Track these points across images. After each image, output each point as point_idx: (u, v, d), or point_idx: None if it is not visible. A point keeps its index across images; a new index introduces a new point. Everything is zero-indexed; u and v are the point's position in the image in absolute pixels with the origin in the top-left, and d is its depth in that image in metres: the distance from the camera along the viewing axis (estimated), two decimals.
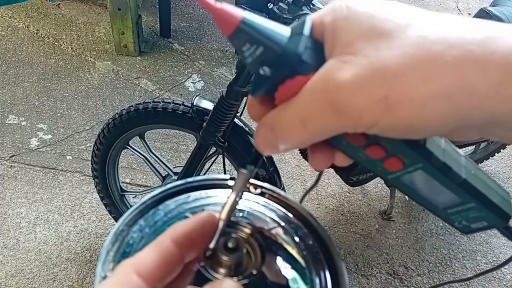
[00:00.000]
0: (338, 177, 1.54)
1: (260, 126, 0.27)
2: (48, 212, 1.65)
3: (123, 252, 0.29)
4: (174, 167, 1.42)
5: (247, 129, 1.20)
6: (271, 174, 1.20)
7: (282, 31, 0.25)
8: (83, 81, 2.19)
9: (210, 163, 1.38)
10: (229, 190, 0.33)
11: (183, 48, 2.47)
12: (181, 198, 0.33)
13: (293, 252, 0.31)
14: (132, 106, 1.22)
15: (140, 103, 1.20)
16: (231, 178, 0.35)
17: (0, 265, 1.49)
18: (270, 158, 1.22)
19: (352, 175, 1.40)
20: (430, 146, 0.27)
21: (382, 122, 0.22)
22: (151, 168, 1.41)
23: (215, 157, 1.33)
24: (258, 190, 0.34)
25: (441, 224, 1.81)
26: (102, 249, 0.28)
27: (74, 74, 2.22)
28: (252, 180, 0.33)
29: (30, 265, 1.50)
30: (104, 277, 0.26)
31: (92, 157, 1.38)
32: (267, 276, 0.28)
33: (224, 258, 0.27)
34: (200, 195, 0.34)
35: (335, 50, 0.24)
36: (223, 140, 1.15)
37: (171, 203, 0.33)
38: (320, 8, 0.98)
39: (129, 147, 1.34)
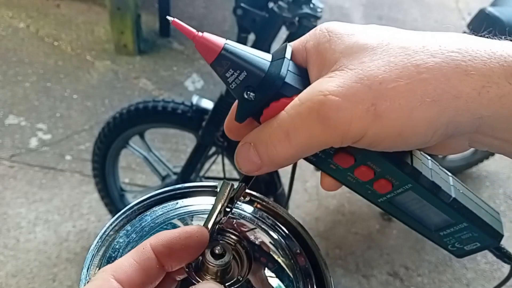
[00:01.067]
0: None
1: (241, 145, 0.26)
2: (48, 212, 1.65)
3: (109, 256, 0.28)
4: (173, 167, 1.42)
5: None
6: (270, 175, 1.20)
7: (264, 56, 0.25)
8: (82, 81, 2.19)
9: (210, 164, 1.38)
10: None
11: (182, 47, 2.47)
12: (169, 204, 0.33)
13: (280, 261, 0.30)
14: (132, 105, 1.22)
15: (141, 102, 1.20)
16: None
17: (0, 265, 1.49)
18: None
19: None
20: (418, 166, 0.27)
21: (370, 132, 0.22)
22: (150, 168, 1.41)
23: (214, 157, 1.33)
24: (247, 198, 0.34)
25: None
26: (88, 254, 0.28)
27: (74, 74, 2.22)
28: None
29: (30, 265, 1.50)
30: (88, 282, 0.26)
31: (92, 155, 1.38)
32: (253, 284, 0.28)
33: (211, 264, 0.27)
34: (188, 202, 0.34)
35: (323, 71, 0.24)
36: (222, 140, 1.15)
37: (158, 209, 0.33)
38: (319, 8, 0.98)
39: (129, 146, 1.35)
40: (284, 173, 1.89)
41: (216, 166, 1.72)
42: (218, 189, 0.30)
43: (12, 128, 1.93)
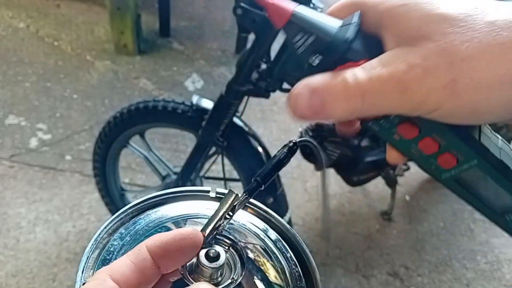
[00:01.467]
0: (339, 177, 1.54)
1: (303, 88, 0.25)
2: (48, 212, 1.65)
3: (104, 259, 0.29)
4: (174, 167, 1.42)
5: (246, 129, 1.20)
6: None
7: (332, 22, 0.26)
8: (82, 80, 2.19)
9: (210, 164, 1.38)
10: (210, 202, 0.34)
11: (182, 47, 2.47)
12: (163, 208, 0.33)
13: (271, 265, 0.31)
14: (133, 104, 1.22)
15: (141, 102, 1.21)
16: (216, 192, 0.35)
17: (0, 265, 1.49)
18: (269, 158, 1.22)
19: (353, 175, 1.40)
20: (486, 143, 0.26)
21: (445, 106, 0.22)
22: (151, 167, 1.41)
23: (214, 157, 1.32)
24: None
25: (441, 225, 1.80)
26: (83, 256, 0.28)
27: (74, 74, 2.22)
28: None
29: (30, 265, 1.50)
30: (84, 284, 0.26)
31: (93, 154, 1.39)
32: (245, 287, 0.28)
33: (205, 266, 0.27)
34: (182, 206, 0.34)
35: (401, 37, 0.24)
36: (222, 140, 1.15)
37: (152, 213, 0.33)
38: (319, 8, 0.98)
39: (129, 146, 1.35)
40: (284, 173, 1.89)
41: (216, 166, 1.72)
42: (214, 195, 0.31)
43: (12, 128, 1.93)
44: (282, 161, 0.32)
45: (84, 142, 1.91)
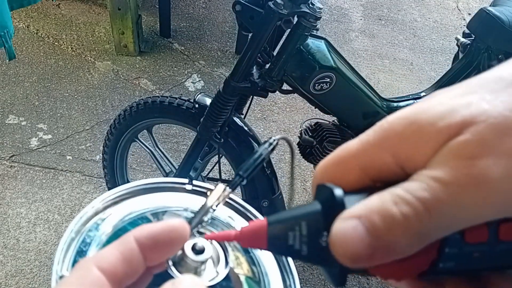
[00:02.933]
0: None
1: (346, 219, 0.19)
2: (48, 212, 1.65)
3: (80, 251, 0.28)
4: (177, 165, 1.43)
5: (246, 128, 1.21)
6: (268, 177, 1.20)
7: (308, 204, 0.23)
8: (83, 81, 2.19)
9: (212, 164, 1.39)
10: (186, 194, 0.34)
11: (183, 48, 2.47)
12: (138, 199, 0.33)
13: (245, 263, 0.31)
14: (142, 99, 1.28)
15: (149, 97, 1.27)
16: (192, 185, 0.35)
17: (0, 265, 1.49)
18: (268, 161, 1.22)
19: None
20: None
21: None
22: (155, 163, 1.43)
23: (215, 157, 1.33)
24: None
25: None
26: (58, 248, 0.28)
27: (74, 74, 2.22)
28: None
29: (30, 265, 1.50)
30: (61, 277, 0.26)
31: (103, 147, 1.44)
32: (230, 279, 0.28)
33: (191, 259, 0.27)
34: (160, 197, 0.34)
35: (427, 146, 0.19)
36: (219, 137, 1.16)
37: (127, 204, 0.32)
38: (319, 8, 0.98)
39: (137, 140, 1.39)
40: (284, 173, 1.89)
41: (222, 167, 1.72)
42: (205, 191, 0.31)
43: (12, 128, 1.93)
44: (263, 156, 0.32)
45: (84, 142, 1.91)
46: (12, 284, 1.45)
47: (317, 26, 1.02)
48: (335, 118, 1.34)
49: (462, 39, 1.65)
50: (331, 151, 1.33)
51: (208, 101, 1.19)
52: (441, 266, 0.20)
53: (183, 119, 1.25)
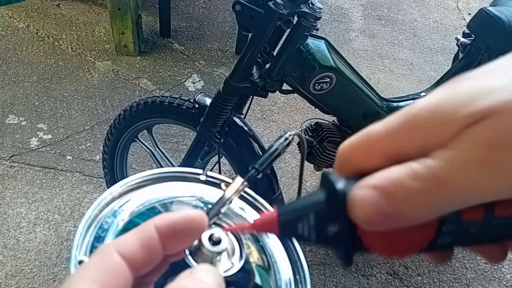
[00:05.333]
0: None
1: (366, 192, 0.21)
2: (48, 212, 1.65)
3: (98, 237, 0.29)
4: (178, 165, 1.44)
5: (246, 128, 1.21)
6: (269, 178, 1.20)
7: (313, 194, 0.24)
8: (83, 81, 2.19)
9: (212, 164, 1.39)
10: (200, 185, 0.34)
11: (183, 48, 2.47)
12: (155, 187, 0.34)
13: (255, 252, 0.31)
14: (142, 99, 1.28)
15: (149, 97, 1.26)
16: (206, 175, 0.35)
17: (0, 265, 1.49)
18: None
19: None
20: None
21: None
22: (155, 163, 1.43)
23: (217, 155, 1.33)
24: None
25: None
26: (76, 234, 0.28)
27: (74, 74, 2.22)
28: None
29: (30, 265, 1.50)
30: (80, 262, 0.26)
31: (103, 147, 1.44)
32: (244, 273, 0.29)
33: (208, 250, 0.27)
34: (171, 187, 0.34)
35: (441, 136, 0.20)
36: (219, 137, 1.16)
37: (142, 192, 0.33)
38: (319, 8, 0.98)
39: (137, 140, 1.39)
40: (284, 173, 1.89)
41: (223, 167, 1.72)
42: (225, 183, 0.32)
43: (12, 128, 1.93)
44: (279, 150, 0.32)
45: (84, 142, 1.91)
46: (12, 284, 1.45)
47: (317, 26, 1.02)
48: (335, 118, 1.34)
49: (462, 39, 1.64)
50: (331, 151, 1.33)
51: (208, 101, 1.19)
52: (440, 242, 0.22)
53: (183, 119, 1.25)
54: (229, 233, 0.29)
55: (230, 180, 0.34)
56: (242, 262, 0.28)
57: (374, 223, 0.21)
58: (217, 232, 0.28)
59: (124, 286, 0.22)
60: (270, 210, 0.33)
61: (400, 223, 0.21)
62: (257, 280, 0.30)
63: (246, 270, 0.29)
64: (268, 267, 0.31)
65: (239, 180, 0.31)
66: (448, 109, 0.20)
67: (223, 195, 0.31)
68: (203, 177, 0.35)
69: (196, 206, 0.33)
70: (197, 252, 0.27)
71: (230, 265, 0.28)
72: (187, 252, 0.27)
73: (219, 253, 0.27)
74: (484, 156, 0.19)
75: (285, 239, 0.27)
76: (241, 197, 0.35)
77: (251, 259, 0.30)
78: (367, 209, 0.21)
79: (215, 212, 0.30)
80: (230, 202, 0.31)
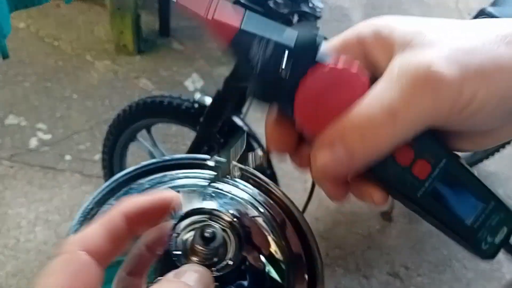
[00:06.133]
0: None
1: (321, 148, 0.23)
2: (48, 212, 1.65)
3: None
4: None
5: (246, 128, 1.20)
6: (269, 178, 1.20)
7: (283, 27, 0.23)
8: (82, 80, 2.19)
9: None
10: (207, 171, 0.33)
11: (182, 47, 2.47)
12: (157, 176, 0.32)
13: (272, 244, 0.30)
14: (141, 98, 1.28)
15: (149, 97, 1.26)
16: (215, 161, 0.34)
17: (0, 265, 1.49)
18: (268, 161, 1.22)
19: None
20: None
21: (480, 92, 0.21)
22: None
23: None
24: (239, 173, 0.33)
25: None
26: (69, 229, 0.27)
27: (74, 74, 2.22)
28: (235, 164, 0.32)
29: (30, 265, 1.50)
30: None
31: (102, 146, 1.43)
32: (242, 268, 0.27)
33: (199, 249, 0.26)
34: (176, 174, 0.32)
35: (396, 51, 0.22)
36: (219, 137, 1.16)
37: (145, 182, 0.31)
38: (319, 7, 0.97)
39: (137, 140, 1.39)
40: (284, 173, 1.89)
41: None
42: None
43: (12, 128, 1.93)
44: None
45: (84, 142, 1.91)
46: (12, 284, 1.45)
47: (317, 26, 1.02)
48: None
49: None
50: None
51: (207, 100, 1.19)
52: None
53: (182, 119, 1.25)
54: (227, 229, 0.28)
55: (242, 166, 0.32)
56: (238, 260, 0.27)
57: (329, 172, 0.23)
58: (211, 227, 0.26)
59: (94, 284, 0.21)
60: (272, 185, 0.32)
61: (360, 166, 0.23)
62: (273, 274, 0.29)
63: (245, 267, 0.28)
64: (284, 260, 0.29)
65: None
66: (387, 35, 0.23)
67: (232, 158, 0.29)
68: (211, 163, 0.33)
69: (202, 192, 0.31)
70: (190, 250, 0.26)
71: (225, 262, 0.27)
72: (179, 252, 0.26)
73: (213, 251, 0.26)
74: (431, 75, 0.20)
75: (232, 52, 0.24)
76: (255, 183, 0.33)
77: (265, 252, 0.29)
78: (320, 161, 0.23)
79: (224, 170, 0.28)
80: (240, 170, 0.29)
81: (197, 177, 0.33)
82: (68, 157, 1.84)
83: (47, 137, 1.91)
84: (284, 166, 1.93)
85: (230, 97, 1.09)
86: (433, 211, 0.27)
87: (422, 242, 1.73)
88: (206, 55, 2.43)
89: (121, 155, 1.43)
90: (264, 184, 0.33)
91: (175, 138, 1.97)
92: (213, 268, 0.26)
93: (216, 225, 0.27)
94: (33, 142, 1.89)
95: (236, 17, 0.23)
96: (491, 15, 1.47)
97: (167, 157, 0.33)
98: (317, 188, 1.86)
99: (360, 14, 2.99)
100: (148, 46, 2.42)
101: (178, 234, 0.27)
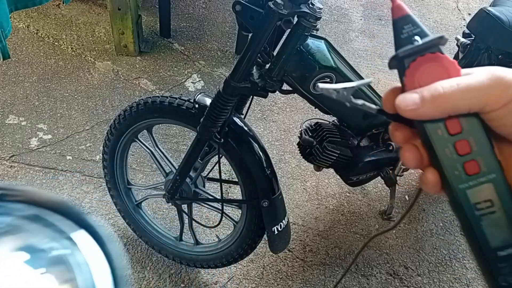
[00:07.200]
0: (338, 177, 1.54)
1: (408, 94, 0.33)
2: None
3: None
4: (178, 165, 1.43)
5: (246, 128, 1.20)
6: (269, 178, 1.20)
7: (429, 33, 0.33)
8: (83, 81, 2.19)
9: (212, 164, 1.38)
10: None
11: (183, 48, 2.47)
12: None
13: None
14: (142, 99, 1.27)
15: (149, 97, 1.26)
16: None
17: None
18: (268, 161, 1.22)
19: (352, 175, 1.40)
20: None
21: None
22: (155, 163, 1.43)
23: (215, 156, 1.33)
24: None
25: (441, 224, 1.81)
26: None
27: (74, 74, 2.22)
28: None
29: None
30: None
31: (103, 147, 1.43)
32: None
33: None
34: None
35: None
36: (219, 137, 1.16)
37: None
38: (319, 8, 0.98)
39: (137, 140, 1.39)
40: (284, 173, 1.89)
41: (223, 167, 1.72)
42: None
43: (12, 128, 1.93)
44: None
45: (84, 142, 1.91)
46: None
47: (317, 26, 1.02)
48: (335, 118, 1.34)
49: (462, 39, 1.64)
50: (331, 151, 1.33)
51: (208, 101, 1.19)
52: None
53: (183, 119, 1.25)
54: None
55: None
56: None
57: (408, 108, 0.32)
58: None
59: None
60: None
61: (422, 109, 0.31)
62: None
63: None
64: None
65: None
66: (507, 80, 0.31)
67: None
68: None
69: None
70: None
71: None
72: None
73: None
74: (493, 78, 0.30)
75: (397, 25, 0.33)
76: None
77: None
78: (404, 101, 0.33)
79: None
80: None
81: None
82: (68, 157, 1.84)
83: (48, 137, 1.92)
84: (284, 166, 1.93)
85: (230, 98, 1.09)
86: (460, 213, 0.29)
87: (421, 242, 1.73)
88: (206, 56, 2.44)
89: (122, 156, 1.44)
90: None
91: (175, 138, 1.97)
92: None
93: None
94: (34, 142, 1.89)
95: (407, 7, 0.33)
96: (491, 15, 1.47)
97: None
98: (317, 188, 1.86)
99: (359, 14, 2.99)
100: (149, 46, 2.43)
101: None
